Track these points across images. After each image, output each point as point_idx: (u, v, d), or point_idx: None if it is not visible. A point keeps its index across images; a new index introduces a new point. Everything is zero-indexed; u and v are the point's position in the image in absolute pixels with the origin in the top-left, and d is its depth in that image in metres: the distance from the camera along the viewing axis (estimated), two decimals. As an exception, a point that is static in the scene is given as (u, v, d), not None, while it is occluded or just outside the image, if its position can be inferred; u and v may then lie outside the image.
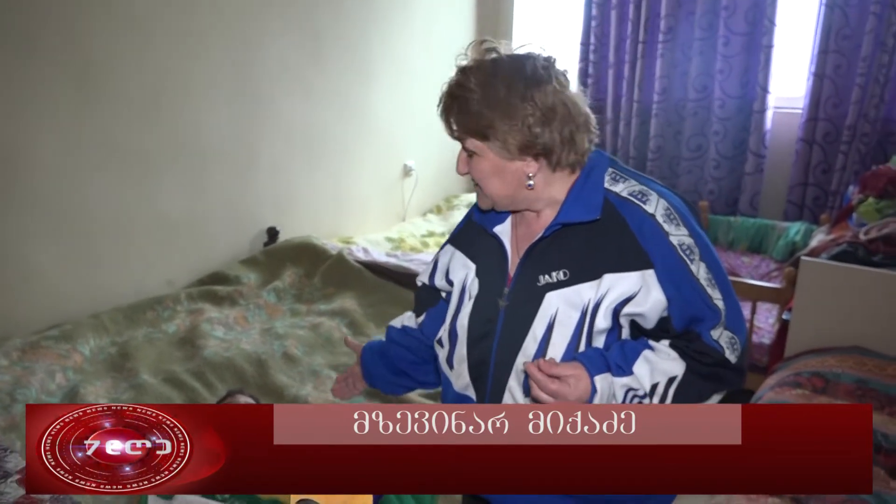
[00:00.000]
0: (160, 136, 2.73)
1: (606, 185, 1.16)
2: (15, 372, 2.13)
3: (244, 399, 2.04)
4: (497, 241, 1.23)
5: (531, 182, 1.15)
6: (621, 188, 1.16)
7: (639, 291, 1.10)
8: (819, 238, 3.08)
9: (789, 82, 3.89)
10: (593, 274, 1.12)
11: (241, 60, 3.00)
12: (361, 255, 3.23)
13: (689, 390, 1.12)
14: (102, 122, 2.52)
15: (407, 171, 4.06)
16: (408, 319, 1.47)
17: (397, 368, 1.45)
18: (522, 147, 1.11)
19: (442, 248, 1.37)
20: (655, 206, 1.13)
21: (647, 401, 1.11)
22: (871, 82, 3.49)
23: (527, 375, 1.12)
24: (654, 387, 1.11)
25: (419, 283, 1.42)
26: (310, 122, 3.38)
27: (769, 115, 3.82)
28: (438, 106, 1.16)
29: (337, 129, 3.54)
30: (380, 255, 3.30)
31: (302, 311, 2.85)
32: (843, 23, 3.54)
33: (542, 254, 1.17)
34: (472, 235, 1.30)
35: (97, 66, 2.47)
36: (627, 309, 1.11)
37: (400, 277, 3.02)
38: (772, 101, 3.81)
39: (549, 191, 1.17)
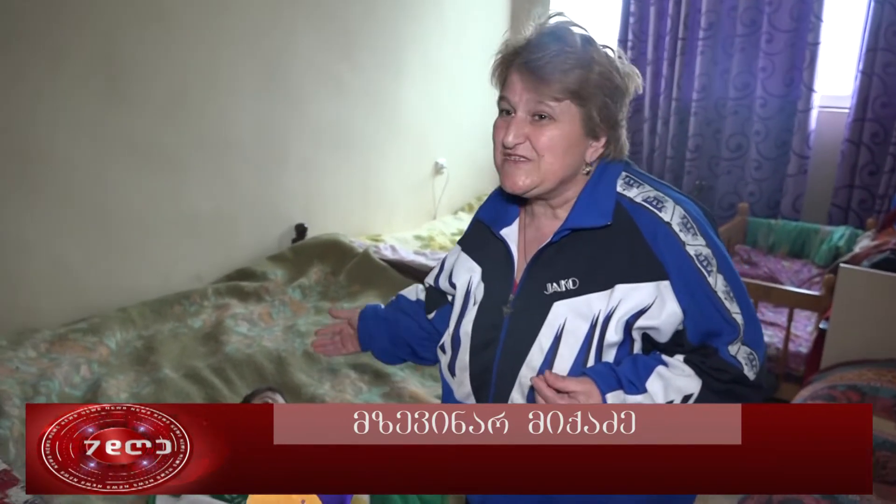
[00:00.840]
0: (189, 132, 2.75)
1: (619, 189, 1.11)
2: (42, 364, 2.17)
3: (280, 399, 2.04)
4: (503, 244, 1.18)
5: (589, 168, 1.11)
6: (635, 193, 1.10)
7: (653, 303, 1.05)
8: (863, 244, 2.96)
9: (836, 81, 3.75)
10: (604, 284, 1.07)
11: (270, 57, 3.00)
12: (389, 254, 3.22)
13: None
14: (131, 119, 2.55)
15: (438, 169, 4.03)
16: (422, 293, 1.42)
17: (400, 338, 1.40)
18: (607, 122, 1.07)
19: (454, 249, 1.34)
20: (671, 214, 1.07)
21: None
22: (923, 81, 3.33)
23: (532, 388, 1.08)
24: (668, 404, 1.05)
25: (426, 285, 1.38)
26: (339, 119, 3.38)
27: (814, 114, 3.68)
28: (535, 54, 1.03)
29: (367, 125, 3.53)
30: (408, 253, 3.28)
31: (326, 309, 2.84)
32: (894, 18, 3.38)
33: (550, 260, 1.11)
34: (479, 237, 1.25)
35: (125, 64, 2.50)
36: (641, 322, 1.06)
37: (426, 276, 2.98)
38: (817, 100, 3.67)
39: (576, 186, 1.12)
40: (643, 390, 1.05)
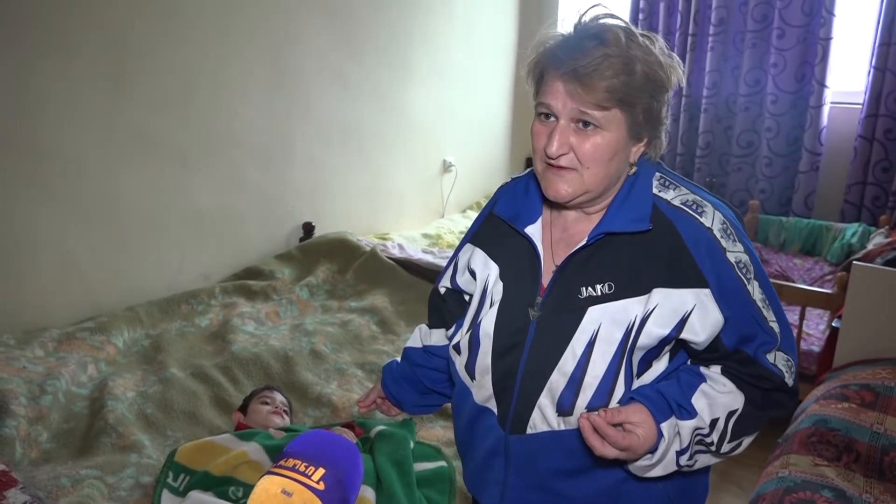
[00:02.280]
0: (196, 129, 2.75)
1: (655, 190, 1.08)
2: (49, 363, 2.17)
3: (280, 398, 2.03)
4: (529, 243, 1.13)
5: (633, 169, 1.08)
6: (672, 196, 1.08)
7: (692, 311, 1.02)
8: (876, 241, 2.93)
9: (848, 76, 3.70)
10: (642, 289, 1.03)
11: (278, 54, 3.00)
12: (396, 252, 3.20)
13: (747, 421, 1.07)
14: (138, 116, 2.55)
15: (446, 167, 4.01)
16: (426, 336, 1.41)
17: (426, 388, 1.40)
18: (651, 122, 1.04)
19: (459, 247, 1.29)
20: (712, 220, 1.05)
21: (708, 438, 1.05)
22: (938, 76, 3.29)
23: (563, 395, 1.06)
24: (713, 422, 1.05)
25: (441, 290, 1.34)
26: (347, 117, 3.37)
27: (826, 110, 3.64)
28: (579, 62, 0.98)
29: (375, 124, 3.52)
30: (415, 251, 3.27)
31: (333, 308, 2.83)
32: (908, 13, 3.34)
33: (583, 263, 1.08)
34: (495, 233, 1.20)
35: (132, 61, 2.50)
36: (684, 335, 1.03)
37: (434, 275, 2.97)
38: (829, 95, 3.63)
39: (615, 189, 1.09)
40: (694, 413, 1.03)
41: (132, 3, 2.46)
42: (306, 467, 0.77)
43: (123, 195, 2.56)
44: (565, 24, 1.06)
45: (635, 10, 4.15)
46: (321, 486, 0.76)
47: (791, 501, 1.62)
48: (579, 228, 1.11)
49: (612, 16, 1.05)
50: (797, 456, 1.81)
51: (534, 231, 1.13)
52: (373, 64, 3.43)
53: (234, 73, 2.85)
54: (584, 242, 1.07)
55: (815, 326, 2.93)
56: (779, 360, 1.06)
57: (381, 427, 1.85)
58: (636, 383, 1.07)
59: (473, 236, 1.25)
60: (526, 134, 4.59)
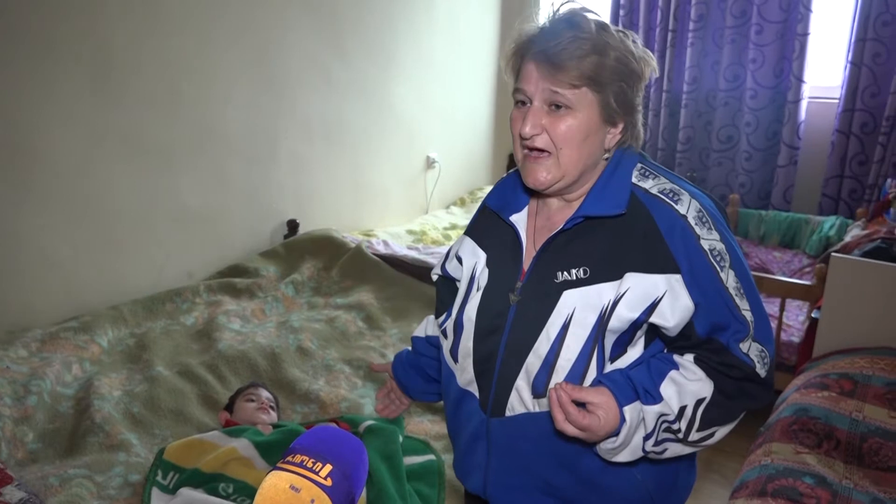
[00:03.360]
0: (180, 127, 2.73)
1: (634, 179, 1.11)
2: (32, 363, 2.15)
3: (265, 394, 2.04)
4: (513, 230, 1.17)
5: (608, 154, 1.11)
6: (651, 185, 1.10)
7: (663, 296, 1.04)
8: (854, 233, 2.98)
9: (825, 71, 3.76)
10: (616, 273, 1.06)
11: (261, 50, 2.98)
12: (381, 248, 3.21)
13: (717, 411, 1.06)
14: (122, 114, 2.53)
15: (430, 163, 4.02)
16: (431, 327, 1.43)
17: (428, 377, 1.43)
18: (624, 107, 1.07)
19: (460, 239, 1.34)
20: (688, 207, 1.07)
21: (675, 426, 1.05)
22: (912, 71, 3.35)
23: (537, 378, 1.09)
24: (682, 409, 1.05)
25: (434, 277, 1.39)
26: (331, 114, 3.36)
27: (804, 105, 3.70)
28: (550, 42, 1.03)
29: (359, 120, 3.52)
30: (400, 248, 3.27)
31: (319, 305, 2.83)
32: (883, 9, 3.40)
33: (561, 248, 1.11)
34: (486, 224, 1.25)
35: (115, 58, 2.48)
36: (653, 319, 1.05)
37: (419, 271, 2.99)
38: (807, 90, 3.68)
39: (594, 177, 1.12)
40: (659, 399, 1.04)
41: (116, 0, 2.44)
42: (314, 463, 0.78)
43: (107, 193, 2.54)
44: (541, 18, 1.10)
45: (616, 6, 4.18)
46: (329, 482, 0.77)
47: (773, 488, 1.65)
48: (561, 216, 1.14)
49: (586, 10, 1.08)
50: (779, 444, 1.85)
51: (518, 219, 1.18)
52: (357, 61, 3.43)
53: (219, 70, 2.83)
54: (561, 227, 1.10)
55: (794, 318, 2.97)
56: (752, 350, 1.06)
57: (369, 422, 1.86)
58: (609, 367, 1.08)
59: (469, 228, 1.30)
60: (508, 130, 4.61)
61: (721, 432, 1.10)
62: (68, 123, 2.39)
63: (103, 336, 2.39)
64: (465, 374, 1.20)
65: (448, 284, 1.34)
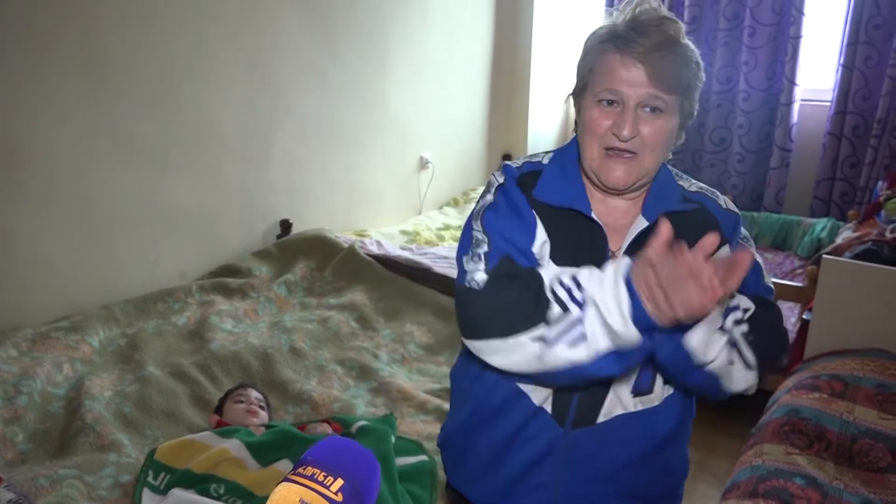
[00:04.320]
0: (173, 127, 2.72)
1: (675, 180, 1.19)
2: (23, 363, 2.14)
3: (255, 394, 2.03)
4: (597, 228, 1.13)
5: (669, 157, 1.15)
6: (687, 184, 1.19)
7: None
8: (845, 235, 2.99)
9: (817, 74, 3.78)
10: None
11: (254, 49, 2.98)
12: (374, 249, 3.20)
13: (759, 324, 1.05)
14: (114, 114, 2.52)
15: (423, 164, 4.02)
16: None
17: None
18: (691, 115, 1.12)
19: (500, 218, 1.13)
20: (724, 201, 1.20)
21: (743, 325, 1.03)
22: (903, 74, 3.37)
23: (640, 379, 1.10)
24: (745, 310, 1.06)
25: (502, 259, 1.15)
26: (325, 114, 3.36)
27: (796, 107, 3.72)
28: (655, 52, 1.02)
29: (352, 120, 3.51)
30: (393, 248, 3.27)
31: (312, 305, 2.83)
32: (874, 12, 3.42)
33: (640, 245, 1.08)
34: (542, 217, 1.14)
35: (108, 58, 2.47)
36: None
37: (412, 272, 2.98)
38: (799, 93, 3.71)
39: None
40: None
41: (110, 1, 2.43)
42: (325, 477, 0.77)
43: (98, 193, 2.53)
44: (618, 16, 1.09)
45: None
46: (339, 498, 0.76)
47: (765, 489, 1.66)
48: (624, 213, 1.16)
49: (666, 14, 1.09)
50: (770, 445, 1.86)
51: (596, 218, 1.13)
52: (351, 62, 3.43)
53: (213, 71, 2.82)
54: (646, 223, 1.12)
55: (786, 319, 2.98)
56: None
57: (362, 423, 1.86)
58: None
59: (518, 217, 1.15)
60: (502, 131, 4.63)
61: (750, 378, 1.06)
62: (62, 123, 2.38)
63: (94, 336, 2.38)
64: (542, 390, 1.15)
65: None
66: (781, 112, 3.72)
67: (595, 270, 0.98)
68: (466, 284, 1.07)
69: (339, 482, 0.77)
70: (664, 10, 1.08)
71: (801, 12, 3.58)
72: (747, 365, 1.03)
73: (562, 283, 0.98)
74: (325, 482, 0.76)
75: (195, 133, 2.81)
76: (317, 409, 2.13)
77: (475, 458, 1.26)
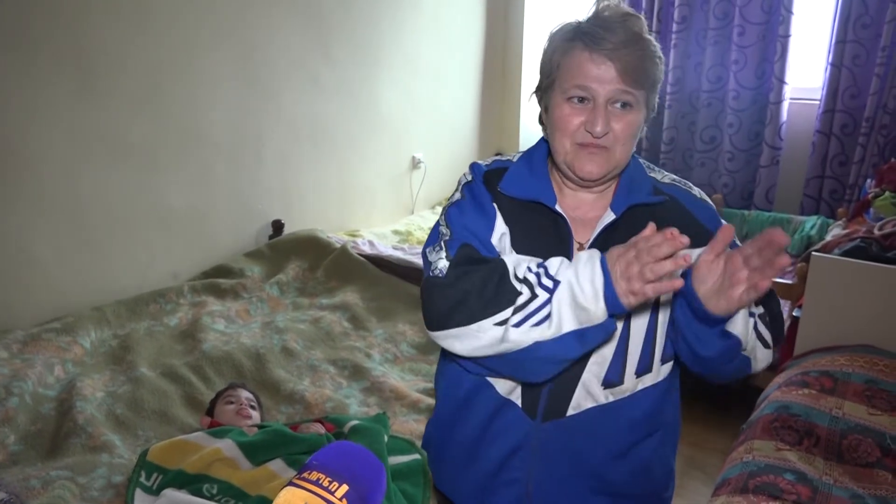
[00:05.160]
0: (164, 128, 2.72)
1: (647, 172, 1.20)
2: (14, 365, 2.13)
3: (245, 394, 2.03)
4: (561, 221, 1.14)
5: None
6: (660, 176, 1.20)
7: None
8: (834, 233, 3.01)
9: (806, 73, 3.80)
10: None
11: (245, 49, 2.97)
12: (367, 249, 3.21)
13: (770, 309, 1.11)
14: (105, 115, 2.51)
15: (415, 164, 4.03)
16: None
17: None
18: (654, 107, 1.13)
19: (463, 213, 1.15)
20: (698, 191, 1.21)
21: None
22: (891, 72, 3.39)
23: (609, 373, 1.11)
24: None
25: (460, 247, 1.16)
26: (316, 114, 3.36)
27: (785, 106, 3.74)
28: (630, 46, 1.04)
29: (344, 120, 3.51)
30: (386, 248, 3.27)
31: (304, 305, 2.83)
32: (862, 11, 3.44)
33: (610, 238, 1.11)
34: (505, 210, 1.15)
35: (99, 58, 2.46)
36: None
37: (404, 271, 2.99)
38: (788, 91, 3.72)
39: None
40: None
41: (101, 3, 2.43)
42: (330, 482, 0.76)
43: (90, 194, 2.52)
44: (583, 14, 1.11)
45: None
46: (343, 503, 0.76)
47: (755, 485, 1.67)
48: (592, 206, 1.17)
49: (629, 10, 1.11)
50: (760, 441, 1.87)
51: (560, 210, 1.14)
52: (343, 62, 3.43)
53: (204, 70, 2.82)
54: (613, 216, 1.12)
55: (776, 316, 3.01)
56: None
57: (354, 422, 1.86)
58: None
59: (480, 208, 1.16)
60: (494, 130, 4.64)
61: (769, 356, 1.10)
62: (53, 124, 2.37)
63: (86, 337, 2.37)
64: (507, 382, 1.15)
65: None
66: (771, 110, 3.74)
67: (565, 261, 1.01)
68: (431, 274, 1.09)
69: (344, 488, 0.77)
70: (626, 7, 1.11)
71: (789, 11, 3.60)
72: (766, 344, 1.08)
73: (529, 269, 1.01)
74: (329, 487, 0.76)
75: (187, 134, 2.81)
76: (309, 408, 2.13)
77: (451, 456, 1.27)
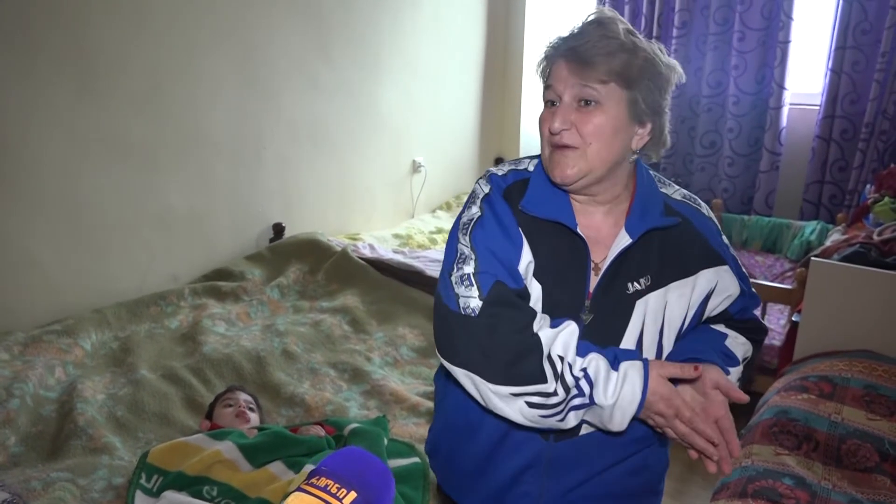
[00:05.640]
0: (165, 130, 2.73)
1: (658, 188, 1.18)
2: (15, 367, 2.14)
3: (244, 396, 2.04)
4: (580, 243, 1.11)
5: (635, 156, 1.12)
6: (672, 191, 1.18)
7: (715, 286, 1.15)
8: (834, 238, 3.01)
9: (806, 78, 3.81)
10: (675, 276, 1.13)
11: (246, 51, 2.98)
12: (367, 252, 3.21)
13: (748, 369, 1.21)
14: (106, 116, 2.52)
15: (416, 167, 4.03)
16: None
17: None
18: (652, 107, 1.07)
19: (489, 235, 1.11)
20: (706, 209, 1.20)
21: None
22: (890, 78, 3.40)
23: None
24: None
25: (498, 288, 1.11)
26: (317, 117, 3.37)
27: (785, 111, 3.75)
28: (580, 40, 1.04)
29: (344, 123, 3.52)
30: (386, 251, 3.28)
31: (305, 308, 2.83)
32: (862, 17, 3.45)
33: (625, 259, 1.11)
34: (528, 230, 1.12)
35: (100, 59, 2.47)
36: (711, 303, 1.16)
37: (404, 275, 2.99)
38: (788, 97, 3.73)
39: (622, 181, 1.13)
40: (737, 361, 1.18)
41: (98, 0, 2.43)
42: (338, 489, 0.76)
43: (90, 195, 2.53)
44: (553, 33, 1.12)
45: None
46: None
47: (754, 489, 1.67)
48: (604, 224, 1.15)
49: (617, 18, 1.10)
50: (759, 446, 1.87)
51: (581, 232, 1.11)
52: (343, 64, 3.44)
53: (205, 73, 2.83)
54: (629, 240, 1.10)
55: (775, 321, 3.01)
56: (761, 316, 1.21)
57: (354, 425, 1.87)
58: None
59: (504, 231, 1.12)
60: (494, 134, 4.65)
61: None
62: (53, 125, 2.38)
63: (87, 339, 2.37)
64: None
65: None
66: (771, 116, 3.75)
67: (604, 370, 1.03)
68: (461, 311, 1.05)
69: (353, 495, 0.77)
70: (609, 12, 1.09)
71: (789, 17, 3.61)
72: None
73: (563, 360, 1.03)
74: (338, 494, 0.76)
75: (187, 135, 2.82)
76: (310, 411, 2.13)
77: (461, 469, 1.26)
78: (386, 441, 1.83)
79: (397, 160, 3.93)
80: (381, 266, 3.07)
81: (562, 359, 1.02)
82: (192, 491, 1.57)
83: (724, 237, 1.19)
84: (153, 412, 2.08)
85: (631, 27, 1.08)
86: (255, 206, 3.17)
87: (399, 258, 3.15)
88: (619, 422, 1.03)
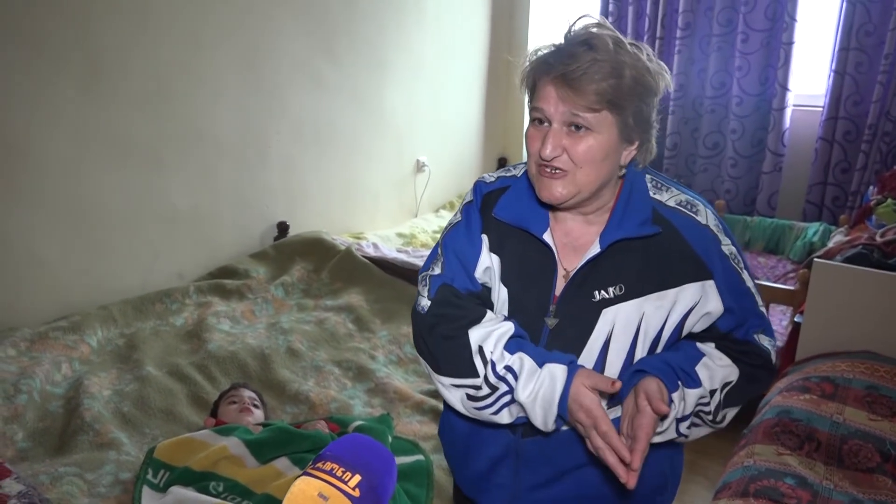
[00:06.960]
0: (170, 128, 2.74)
1: (651, 194, 1.13)
2: (22, 363, 2.15)
3: (248, 393, 2.05)
4: (546, 250, 1.13)
5: (623, 170, 1.11)
6: (666, 197, 1.13)
7: (698, 301, 1.09)
8: (836, 239, 3.02)
9: (809, 80, 3.82)
10: (652, 287, 1.09)
11: (254, 54, 3.00)
12: (371, 251, 3.23)
13: (736, 394, 1.13)
14: (111, 115, 2.53)
15: (420, 167, 4.04)
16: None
17: None
18: (641, 125, 1.06)
19: (456, 239, 1.18)
20: (706, 217, 1.12)
21: (707, 408, 1.11)
22: (894, 80, 3.42)
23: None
24: (712, 392, 1.11)
25: (463, 292, 1.18)
26: (321, 116, 3.38)
27: (788, 112, 3.75)
28: (569, 66, 1.01)
29: (349, 123, 3.53)
30: (390, 250, 3.29)
31: (309, 306, 2.85)
32: (866, 19, 3.46)
33: (593, 267, 1.11)
34: (498, 235, 1.16)
35: (105, 59, 2.48)
36: (689, 321, 1.11)
37: (408, 273, 3.01)
38: (791, 98, 3.74)
39: (610, 191, 1.12)
40: (699, 383, 1.09)
41: (104, 0, 2.45)
42: (343, 472, 0.79)
43: (96, 194, 2.54)
44: (556, 35, 1.09)
45: (604, 15, 4.21)
46: (357, 493, 0.78)
47: (756, 489, 1.69)
48: (583, 233, 1.14)
49: (600, 25, 1.07)
50: (761, 446, 1.88)
51: (548, 239, 1.13)
52: (347, 64, 3.45)
53: (209, 71, 2.84)
54: (598, 250, 1.09)
55: (778, 322, 3.02)
56: (768, 342, 1.15)
57: (358, 422, 1.88)
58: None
59: (473, 237, 1.18)
60: (498, 134, 4.66)
61: (730, 415, 1.16)
62: (57, 124, 2.39)
63: (93, 336, 2.39)
64: None
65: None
66: (774, 117, 3.76)
67: (530, 368, 1.07)
68: (418, 310, 1.19)
69: (357, 478, 0.79)
70: (596, 27, 1.06)
71: (793, 18, 3.62)
72: (711, 426, 1.16)
73: (490, 360, 1.09)
74: (343, 477, 0.78)
75: (191, 134, 2.83)
76: (314, 409, 2.15)
77: (453, 448, 1.32)
78: (390, 438, 1.84)
79: (401, 160, 3.94)
80: (384, 265, 3.09)
81: (490, 355, 1.09)
82: (199, 486, 1.58)
83: (725, 246, 1.11)
84: (159, 408, 2.09)
85: (618, 36, 1.05)
86: (259, 205, 3.18)
87: (402, 257, 3.16)
88: (542, 420, 1.06)
